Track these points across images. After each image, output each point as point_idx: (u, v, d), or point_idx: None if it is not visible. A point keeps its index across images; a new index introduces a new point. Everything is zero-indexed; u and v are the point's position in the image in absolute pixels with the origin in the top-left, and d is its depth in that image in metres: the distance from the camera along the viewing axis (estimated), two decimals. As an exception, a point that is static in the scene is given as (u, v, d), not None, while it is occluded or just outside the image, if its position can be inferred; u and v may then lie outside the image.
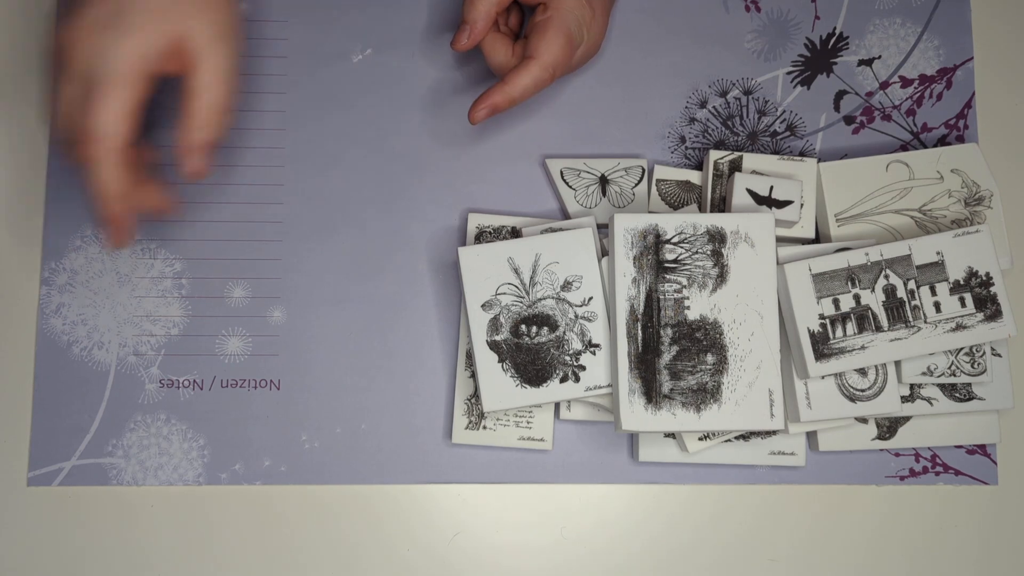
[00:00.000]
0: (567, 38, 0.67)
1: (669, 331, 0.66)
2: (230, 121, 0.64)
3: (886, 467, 0.73)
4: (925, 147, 0.76)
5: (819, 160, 0.74)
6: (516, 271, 0.68)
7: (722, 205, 0.72)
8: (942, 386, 0.70)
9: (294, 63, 0.76)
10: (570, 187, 0.74)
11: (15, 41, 0.76)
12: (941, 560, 0.73)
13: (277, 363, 0.73)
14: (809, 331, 0.67)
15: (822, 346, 0.67)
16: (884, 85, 0.77)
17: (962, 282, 0.68)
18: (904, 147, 0.76)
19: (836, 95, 0.77)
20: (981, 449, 0.73)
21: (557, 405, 0.72)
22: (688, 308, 0.66)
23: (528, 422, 0.71)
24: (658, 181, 0.74)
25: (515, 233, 0.73)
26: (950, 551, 0.73)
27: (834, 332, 0.67)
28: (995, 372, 0.70)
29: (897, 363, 0.69)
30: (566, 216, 0.74)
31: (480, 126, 0.75)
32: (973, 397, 0.70)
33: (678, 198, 0.74)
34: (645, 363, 0.66)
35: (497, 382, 0.67)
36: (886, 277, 0.68)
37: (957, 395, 0.70)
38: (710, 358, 0.66)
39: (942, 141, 0.76)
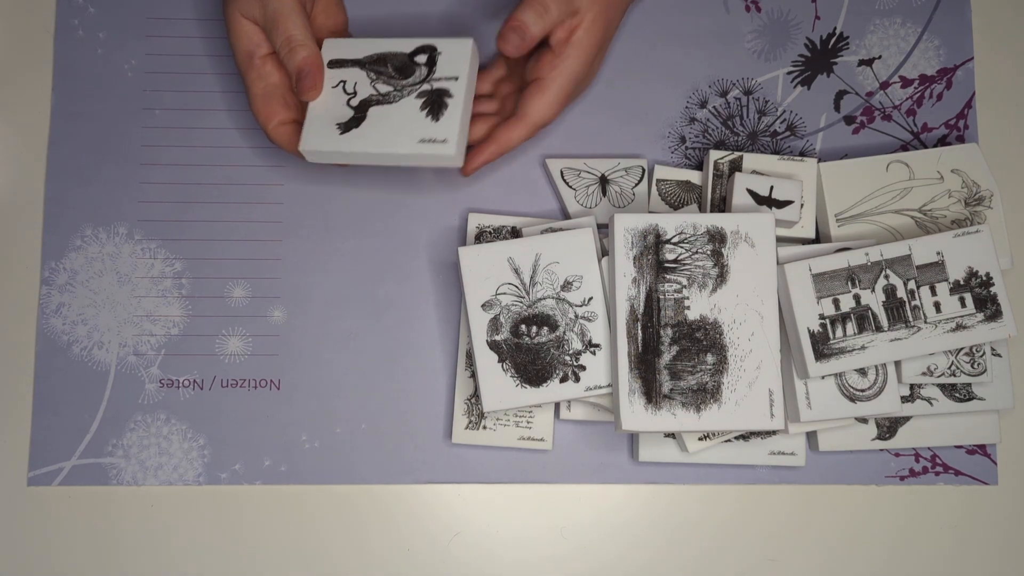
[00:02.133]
0: (564, 100, 0.68)
1: (669, 331, 0.66)
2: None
3: (886, 467, 0.73)
4: (925, 147, 0.76)
5: (819, 160, 0.74)
6: (516, 271, 0.68)
7: (722, 205, 0.72)
8: (942, 386, 0.70)
9: (294, 63, 0.76)
10: (570, 187, 0.74)
11: (16, 41, 0.76)
12: (941, 560, 0.73)
13: (277, 363, 0.73)
14: (809, 331, 0.67)
15: (822, 346, 0.67)
16: (884, 85, 0.77)
17: (962, 282, 0.68)
18: (904, 147, 0.76)
19: (836, 95, 0.77)
20: (981, 449, 0.73)
21: (557, 405, 0.72)
22: (688, 308, 0.66)
23: (528, 422, 0.71)
24: (658, 181, 0.74)
25: (515, 233, 0.73)
26: (950, 551, 0.73)
27: (834, 332, 0.67)
28: (995, 372, 0.70)
29: (897, 363, 0.69)
30: (566, 216, 0.74)
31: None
32: (973, 397, 0.70)
33: (678, 198, 0.74)
34: (645, 363, 0.66)
35: (497, 382, 0.67)
36: (886, 277, 0.68)
37: (957, 395, 0.70)
38: (710, 358, 0.66)
39: (942, 141, 0.76)
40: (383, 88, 0.65)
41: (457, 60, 0.65)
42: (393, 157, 0.64)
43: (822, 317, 0.67)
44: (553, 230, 0.71)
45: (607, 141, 0.76)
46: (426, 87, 0.65)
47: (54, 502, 0.71)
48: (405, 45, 0.66)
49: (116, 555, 0.71)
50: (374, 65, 0.66)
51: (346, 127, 0.65)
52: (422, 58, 0.66)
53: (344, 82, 0.66)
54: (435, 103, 0.64)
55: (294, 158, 0.75)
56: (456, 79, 0.65)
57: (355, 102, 0.65)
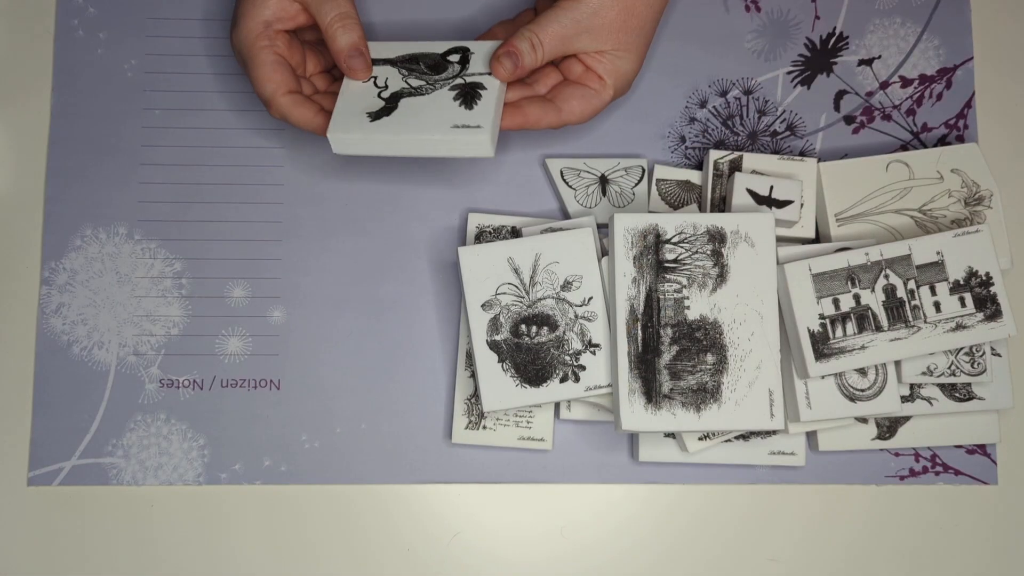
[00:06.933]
0: (603, 107, 0.68)
1: (669, 331, 0.66)
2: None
3: (886, 467, 0.73)
4: (925, 147, 0.76)
5: (819, 160, 0.74)
6: (516, 271, 0.68)
7: (722, 205, 0.72)
8: (942, 386, 0.70)
9: (294, 63, 0.76)
10: (570, 187, 0.74)
11: (15, 42, 0.76)
12: (941, 560, 0.73)
13: (277, 363, 0.73)
14: (809, 331, 0.67)
15: (822, 346, 0.67)
16: (884, 85, 0.77)
17: (962, 282, 0.68)
18: (904, 147, 0.76)
19: (836, 95, 0.77)
20: (981, 449, 0.73)
21: (557, 405, 0.72)
22: (688, 308, 0.66)
23: (528, 422, 0.71)
24: (658, 181, 0.74)
25: (515, 233, 0.73)
26: (950, 551, 0.73)
27: (834, 332, 0.67)
28: (995, 372, 0.70)
29: (897, 363, 0.69)
30: (566, 216, 0.74)
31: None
32: (973, 397, 0.70)
33: (678, 198, 0.74)
34: (645, 363, 0.66)
35: (497, 382, 0.67)
36: (886, 277, 0.68)
37: (957, 395, 0.70)
38: (710, 358, 0.66)
39: (942, 141, 0.76)
40: (415, 82, 0.66)
41: (488, 60, 0.67)
42: (425, 144, 0.64)
43: (822, 317, 0.67)
44: (553, 230, 0.71)
45: (607, 141, 0.76)
46: (459, 81, 0.66)
47: (54, 502, 0.71)
48: (438, 47, 0.68)
49: (116, 555, 0.71)
50: (406, 63, 0.67)
51: (376, 116, 0.65)
52: (455, 57, 0.67)
53: (375, 77, 0.67)
54: (468, 94, 0.65)
55: (293, 159, 0.75)
56: (490, 74, 0.66)
57: (386, 95, 0.66)
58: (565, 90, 0.68)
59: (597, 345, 0.68)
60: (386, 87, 0.66)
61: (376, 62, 0.68)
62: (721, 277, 0.67)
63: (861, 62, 0.77)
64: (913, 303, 0.67)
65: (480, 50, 0.68)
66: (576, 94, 0.68)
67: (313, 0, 0.66)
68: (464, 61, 0.67)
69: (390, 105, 0.65)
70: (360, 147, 0.65)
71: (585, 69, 0.68)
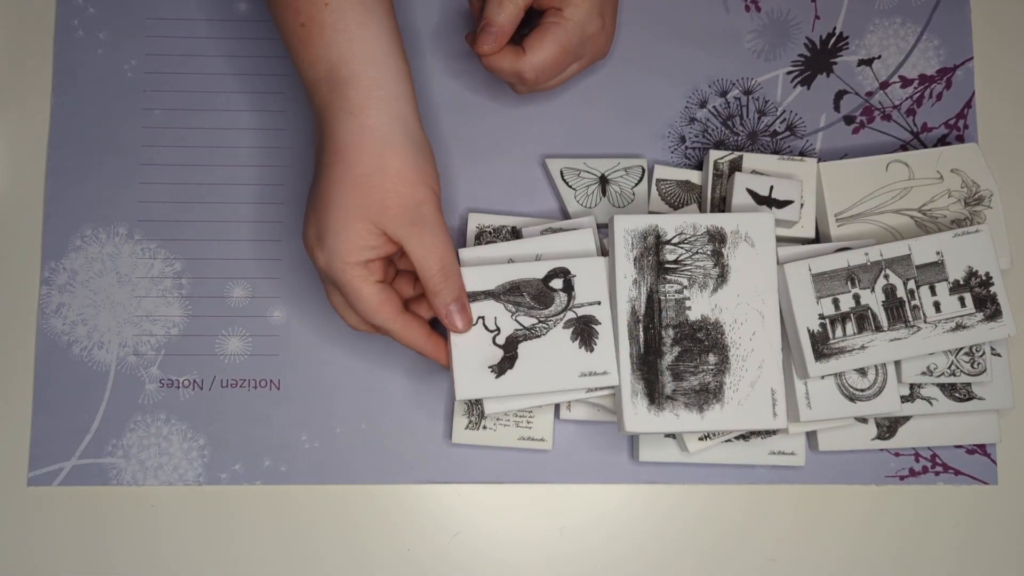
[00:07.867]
0: (563, 51, 0.67)
1: (671, 332, 0.66)
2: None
3: (886, 467, 0.73)
4: (925, 147, 0.76)
5: (819, 160, 0.74)
6: (517, 271, 0.68)
7: (722, 205, 0.72)
8: (942, 386, 0.70)
9: (294, 63, 0.76)
10: (570, 187, 0.74)
11: (16, 42, 0.76)
12: (941, 560, 0.73)
13: (277, 363, 0.73)
14: (809, 331, 0.67)
15: (822, 346, 0.67)
16: (884, 85, 0.77)
17: (962, 282, 0.68)
18: (904, 147, 0.76)
19: (836, 95, 0.77)
20: (981, 449, 0.73)
21: (557, 405, 0.72)
22: (689, 308, 0.66)
23: (528, 422, 0.71)
24: (658, 181, 0.74)
25: (515, 233, 0.73)
26: (950, 551, 0.73)
27: (834, 332, 0.67)
28: (995, 372, 0.70)
29: (897, 363, 0.69)
30: (566, 216, 0.74)
31: (480, 126, 0.75)
32: (973, 397, 0.70)
33: (678, 198, 0.74)
34: (647, 364, 0.66)
35: (498, 382, 0.67)
36: (886, 277, 0.68)
37: (957, 395, 0.70)
38: (712, 358, 0.66)
39: (942, 141, 0.76)
40: (526, 321, 0.65)
41: (594, 281, 0.66)
42: (555, 394, 0.66)
43: (822, 317, 0.67)
44: (553, 230, 0.71)
45: (607, 141, 0.76)
46: (571, 315, 0.65)
47: (54, 502, 0.71)
48: (534, 269, 0.65)
49: (116, 555, 0.71)
50: (509, 296, 0.65)
51: (500, 369, 0.64)
52: (557, 283, 0.65)
53: (483, 318, 0.65)
54: (585, 332, 0.65)
55: (294, 159, 0.75)
56: (599, 303, 0.65)
57: (501, 340, 0.64)
58: (528, 36, 0.68)
59: (598, 345, 0.68)
60: (498, 330, 0.64)
61: (476, 295, 0.65)
62: (722, 277, 0.67)
63: (861, 62, 0.77)
64: (913, 303, 0.67)
65: (582, 270, 0.66)
66: (535, 32, 0.67)
67: (417, 253, 0.61)
68: (568, 287, 0.65)
69: (509, 354, 0.64)
70: (485, 396, 0.65)
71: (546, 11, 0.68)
